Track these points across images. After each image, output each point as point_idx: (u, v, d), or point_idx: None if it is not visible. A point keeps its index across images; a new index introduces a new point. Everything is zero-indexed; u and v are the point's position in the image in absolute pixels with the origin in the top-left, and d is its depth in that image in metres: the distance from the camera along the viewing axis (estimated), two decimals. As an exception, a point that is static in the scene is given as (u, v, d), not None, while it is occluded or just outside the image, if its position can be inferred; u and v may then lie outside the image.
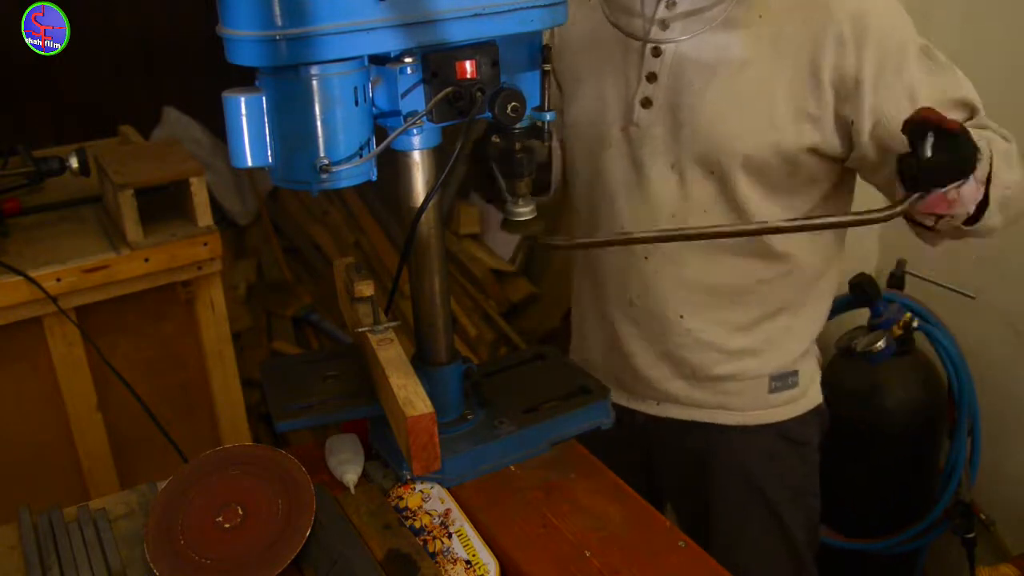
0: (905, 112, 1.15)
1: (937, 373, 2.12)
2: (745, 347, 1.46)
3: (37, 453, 1.90)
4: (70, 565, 1.11)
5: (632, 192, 1.42)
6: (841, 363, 2.14)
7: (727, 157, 1.33)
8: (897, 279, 2.15)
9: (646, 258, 1.43)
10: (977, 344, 2.09)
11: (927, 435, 2.15)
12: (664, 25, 1.36)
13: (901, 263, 2.14)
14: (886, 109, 1.26)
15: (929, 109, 1.10)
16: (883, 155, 1.28)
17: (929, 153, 1.08)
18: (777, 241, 1.39)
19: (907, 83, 1.26)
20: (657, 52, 1.36)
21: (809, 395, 1.53)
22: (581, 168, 1.50)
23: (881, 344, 1.95)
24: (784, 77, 1.28)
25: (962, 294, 2.08)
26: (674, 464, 1.60)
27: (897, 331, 1.98)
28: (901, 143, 1.16)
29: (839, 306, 2.09)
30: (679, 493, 1.64)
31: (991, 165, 1.17)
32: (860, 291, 1.99)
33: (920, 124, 1.09)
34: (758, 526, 1.55)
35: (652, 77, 1.37)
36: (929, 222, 1.20)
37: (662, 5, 1.36)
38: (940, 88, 1.28)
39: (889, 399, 2.10)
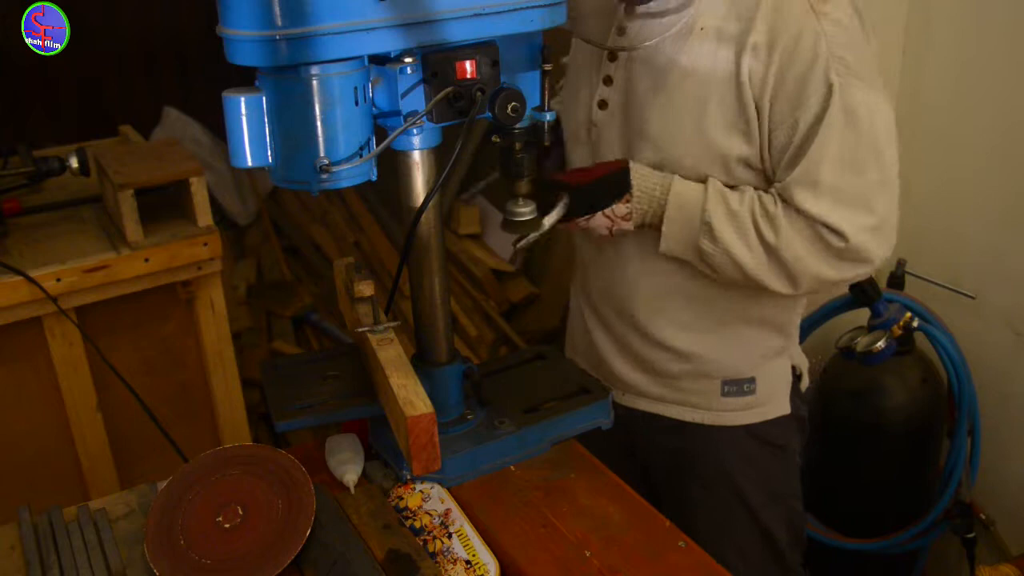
0: (786, 139, 1.28)
1: (937, 373, 2.12)
2: (695, 350, 1.48)
3: (37, 453, 1.90)
4: (70, 565, 1.11)
5: None
6: (841, 363, 2.14)
7: (668, 164, 1.36)
8: (897, 279, 2.15)
9: (607, 255, 1.49)
10: (977, 344, 2.09)
11: (927, 435, 2.14)
12: (622, 30, 1.38)
13: (901, 263, 2.14)
14: (775, 133, 1.29)
15: (573, 172, 1.36)
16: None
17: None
18: None
19: (797, 115, 1.27)
20: (613, 57, 1.40)
21: (773, 404, 1.53)
22: (566, 159, 1.55)
23: (881, 344, 1.95)
24: (716, 89, 1.30)
25: (962, 294, 2.08)
26: (660, 465, 1.62)
27: (897, 331, 1.98)
28: (770, 168, 1.33)
29: (839, 306, 2.09)
30: (668, 494, 1.65)
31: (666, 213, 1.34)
32: (860, 291, 1.98)
33: (559, 185, 1.34)
34: (739, 526, 1.57)
35: (608, 80, 1.41)
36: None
37: (621, 9, 1.38)
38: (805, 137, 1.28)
39: (889, 399, 2.09)
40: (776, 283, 1.33)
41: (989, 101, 2.04)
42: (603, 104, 1.42)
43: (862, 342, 1.98)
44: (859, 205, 1.28)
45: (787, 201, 1.30)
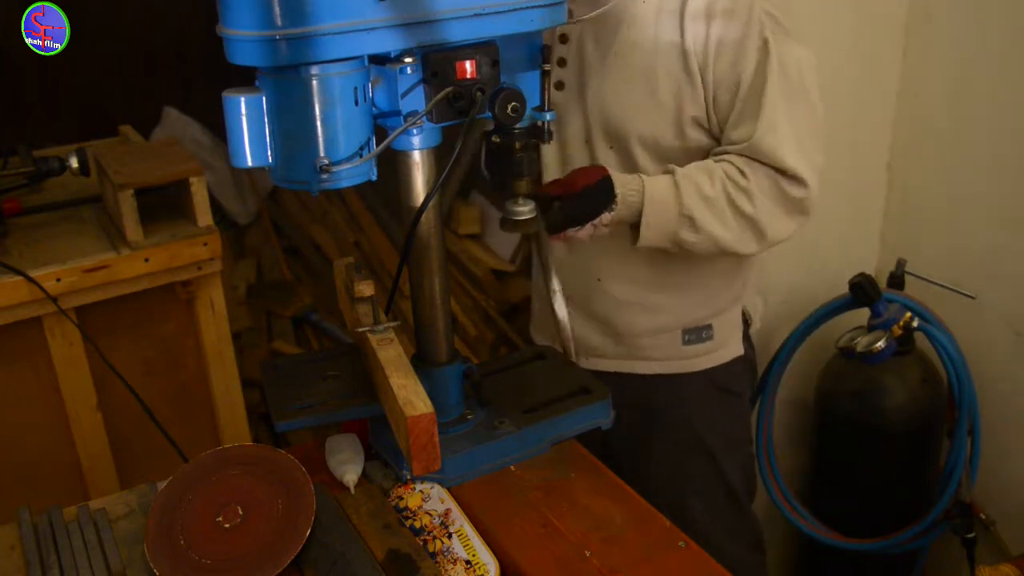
0: (730, 96, 1.40)
1: (937, 373, 2.12)
2: (660, 303, 1.58)
3: (37, 453, 1.90)
4: (70, 565, 1.11)
5: (560, 169, 1.56)
6: (841, 363, 2.14)
7: (624, 133, 1.47)
8: (897, 279, 2.15)
9: None
10: (977, 344, 2.09)
11: (927, 435, 2.14)
12: (569, 14, 1.44)
13: (901, 263, 2.14)
14: (718, 92, 1.41)
15: (553, 184, 1.39)
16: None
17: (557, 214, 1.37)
18: None
19: (739, 71, 1.38)
20: (564, 39, 1.49)
21: (729, 347, 1.66)
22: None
23: (881, 344, 1.95)
24: (663, 56, 1.40)
25: (962, 294, 2.08)
26: (622, 424, 1.66)
27: (897, 331, 1.98)
28: (734, 129, 1.42)
29: (839, 306, 2.09)
30: (628, 448, 1.70)
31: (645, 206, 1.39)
32: (860, 291, 1.98)
33: (544, 198, 1.35)
34: (698, 472, 1.67)
35: (562, 62, 1.50)
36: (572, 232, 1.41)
37: None
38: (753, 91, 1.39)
39: (889, 399, 2.09)
40: (750, 247, 1.45)
41: (989, 101, 2.04)
42: (560, 85, 1.51)
43: (862, 342, 1.98)
44: (809, 149, 1.41)
45: (755, 157, 1.39)
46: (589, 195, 1.37)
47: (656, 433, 1.66)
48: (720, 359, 1.65)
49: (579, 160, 1.55)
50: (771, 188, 1.40)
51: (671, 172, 1.41)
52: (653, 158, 1.49)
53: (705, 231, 1.40)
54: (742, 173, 1.39)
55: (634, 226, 1.43)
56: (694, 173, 1.40)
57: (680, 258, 1.52)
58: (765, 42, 1.38)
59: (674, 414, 1.65)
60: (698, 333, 1.61)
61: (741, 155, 1.40)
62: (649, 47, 1.41)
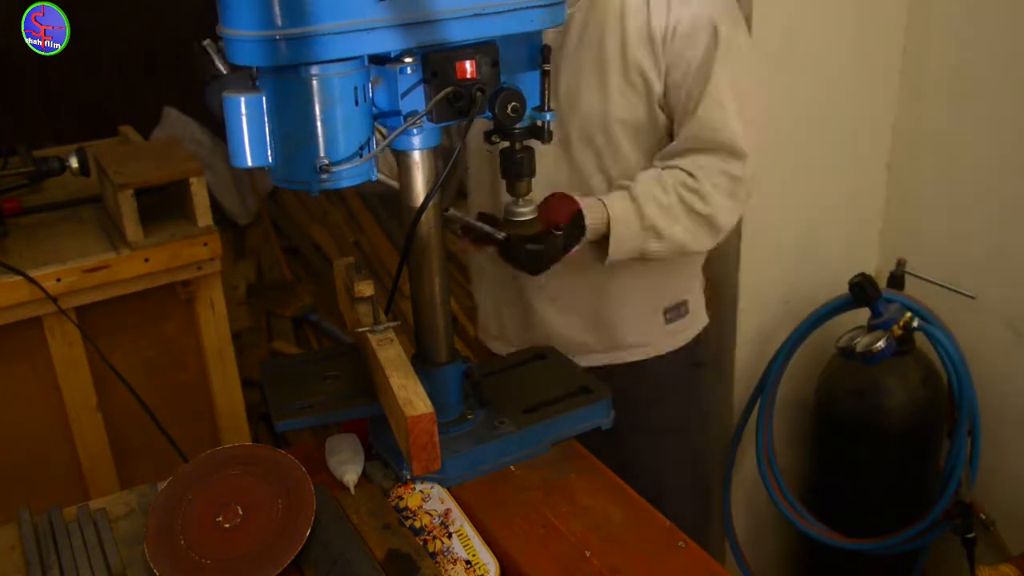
0: (681, 77, 1.43)
1: (937, 373, 2.11)
2: (640, 284, 1.60)
3: (37, 453, 1.90)
4: (70, 565, 1.11)
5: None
6: (841, 363, 2.14)
7: (605, 122, 1.48)
8: (897, 279, 2.14)
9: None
10: (977, 344, 2.09)
11: (927, 435, 2.14)
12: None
13: (901, 263, 2.14)
14: (673, 73, 1.44)
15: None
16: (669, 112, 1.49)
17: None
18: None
19: (688, 58, 1.42)
20: None
21: (698, 320, 1.71)
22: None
23: (881, 344, 1.95)
24: (633, 40, 1.43)
25: (962, 294, 2.08)
26: None
27: (897, 331, 1.98)
28: (682, 112, 1.45)
29: (839, 306, 2.09)
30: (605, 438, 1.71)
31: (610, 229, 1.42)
32: (860, 291, 1.98)
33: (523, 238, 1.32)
34: (672, 446, 1.71)
35: None
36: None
37: None
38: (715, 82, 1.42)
39: (889, 399, 2.09)
40: (707, 244, 1.50)
41: (989, 101, 2.04)
42: None
43: (862, 342, 1.97)
44: (751, 125, 1.45)
45: (699, 140, 1.43)
46: (567, 232, 1.37)
47: (634, 421, 1.64)
48: (692, 333, 1.69)
49: (549, 161, 1.51)
50: (722, 181, 1.44)
51: (626, 188, 1.45)
52: (633, 144, 1.50)
53: (667, 238, 1.44)
54: (691, 175, 1.44)
55: (597, 244, 1.45)
56: (648, 185, 1.43)
57: None
58: (715, 28, 1.41)
59: (653, 400, 1.68)
60: (677, 310, 1.66)
61: (687, 152, 1.44)
62: (610, 32, 1.43)
